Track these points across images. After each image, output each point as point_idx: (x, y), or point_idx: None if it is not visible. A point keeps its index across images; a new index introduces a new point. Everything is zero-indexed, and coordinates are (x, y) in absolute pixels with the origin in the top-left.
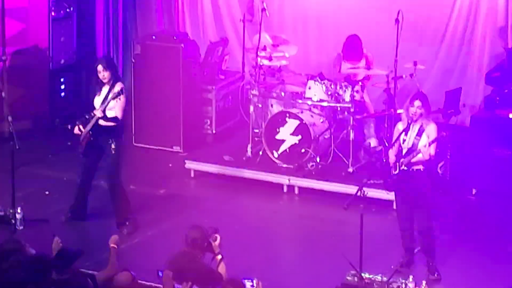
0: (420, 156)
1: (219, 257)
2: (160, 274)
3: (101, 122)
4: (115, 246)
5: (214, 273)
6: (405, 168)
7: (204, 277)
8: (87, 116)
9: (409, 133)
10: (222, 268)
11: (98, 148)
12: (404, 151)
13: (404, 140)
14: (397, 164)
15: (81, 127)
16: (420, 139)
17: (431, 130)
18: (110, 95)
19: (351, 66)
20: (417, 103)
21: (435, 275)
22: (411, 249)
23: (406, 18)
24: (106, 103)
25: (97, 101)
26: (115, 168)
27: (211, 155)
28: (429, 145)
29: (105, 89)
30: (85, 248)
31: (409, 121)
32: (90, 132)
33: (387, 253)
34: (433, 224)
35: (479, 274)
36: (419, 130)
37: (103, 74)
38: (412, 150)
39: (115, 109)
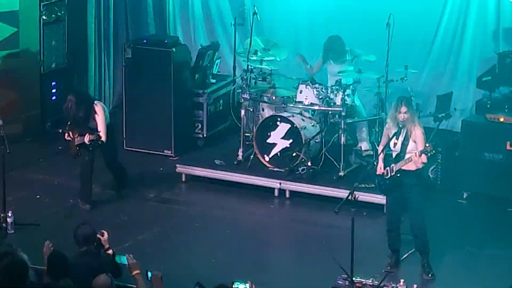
0: (410, 163)
1: (111, 251)
2: (149, 274)
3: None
4: (138, 271)
5: (117, 266)
6: (398, 175)
7: (113, 269)
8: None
9: (399, 137)
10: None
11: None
12: (394, 155)
13: (395, 144)
14: (388, 169)
15: (71, 134)
16: (408, 144)
17: (417, 136)
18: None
19: (340, 70)
20: (403, 109)
21: (430, 275)
22: (397, 250)
23: (397, 22)
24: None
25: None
26: (115, 154)
27: (202, 159)
28: (420, 155)
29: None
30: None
31: (400, 126)
32: (78, 148)
33: (378, 257)
34: (425, 225)
35: (470, 278)
36: (406, 135)
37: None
38: (401, 156)
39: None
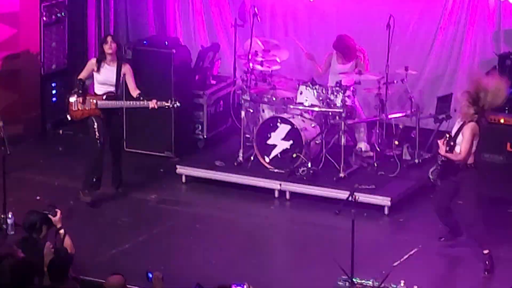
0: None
1: (62, 231)
2: (150, 275)
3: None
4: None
5: (61, 252)
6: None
7: (52, 260)
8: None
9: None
10: (67, 242)
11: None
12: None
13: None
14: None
15: (81, 99)
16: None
17: (464, 130)
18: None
19: (342, 71)
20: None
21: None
22: (450, 223)
23: (397, 23)
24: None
25: (104, 76)
26: (121, 135)
27: (202, 160)
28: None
29: (111, 67)
30: (76, 254)
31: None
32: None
33: (378, 258)
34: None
35: (470, 279)
36: (460, 126)
37: (111, 45)
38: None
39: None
